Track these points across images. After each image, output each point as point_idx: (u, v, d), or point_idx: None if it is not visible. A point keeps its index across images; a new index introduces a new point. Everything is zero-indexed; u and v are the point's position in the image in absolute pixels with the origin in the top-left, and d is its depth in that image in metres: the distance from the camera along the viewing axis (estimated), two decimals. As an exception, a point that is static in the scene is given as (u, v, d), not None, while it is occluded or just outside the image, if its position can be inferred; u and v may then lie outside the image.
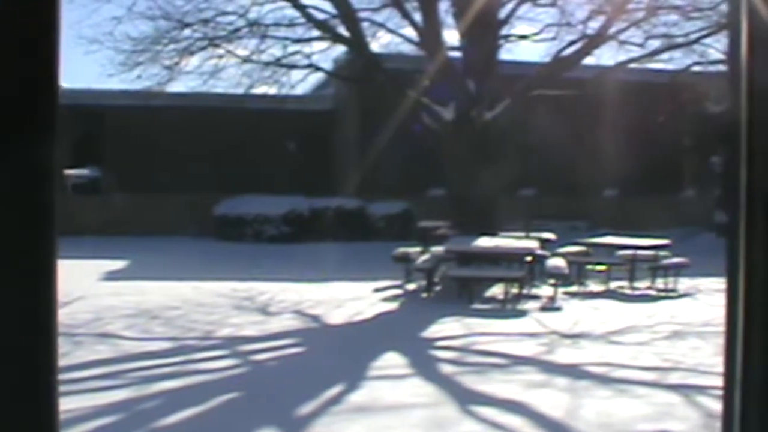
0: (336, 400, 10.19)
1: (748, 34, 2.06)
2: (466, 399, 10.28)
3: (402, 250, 21.07)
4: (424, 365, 12.39)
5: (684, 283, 20.94)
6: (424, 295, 19.45)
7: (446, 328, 15.45)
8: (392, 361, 12.58)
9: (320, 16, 22.70)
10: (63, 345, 13.11)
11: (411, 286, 20.21)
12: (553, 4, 22.23)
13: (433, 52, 21.69)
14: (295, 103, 30.88)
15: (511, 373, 11.97)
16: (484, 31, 21.36)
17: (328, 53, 26.82)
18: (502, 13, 22.36)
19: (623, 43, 23.14)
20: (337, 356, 13.04)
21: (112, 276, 21.86)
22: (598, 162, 33.17)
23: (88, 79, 56.05)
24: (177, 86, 25.47)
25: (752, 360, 2.12)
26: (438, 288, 19.80)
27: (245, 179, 32.71)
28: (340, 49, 26.70)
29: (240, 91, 25.29)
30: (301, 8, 22.14)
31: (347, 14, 21.80)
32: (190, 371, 11.69)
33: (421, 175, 32.73)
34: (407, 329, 15.39)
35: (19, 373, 1.76)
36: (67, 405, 9.41)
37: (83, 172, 34.79)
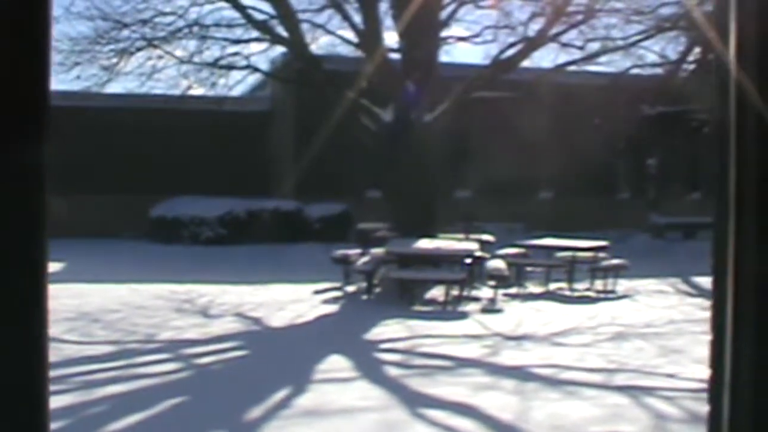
0: (284, 404, 10.12)
1: (737, 34, 2.04)
2: (415, 402, 10.25)
3: (341, 252, 21.00)
4: (370, 368, 12.35)
5: (622, 285, 21.04)
6: (365, 297, 19.42)
7: (389, 330, 15.43)
8: (337, 364, 12.53)
9: (259, 16, 22.59)
10: (2, 349, 12.92)
11: (351, 288, 20.17)
12: (494, 7, 22.20)
13: (373, 53, 21.66)
14: (231, 105, 30.71)
15: (458, 375, 11.96)
16: (424, 33, 21.34)
17: (267, 54, 26.70)
18: (443, 15, 22.29)
19: (565, 45, 23.22)
20: (282, 359, 12.99)
21: (51, 279, 21.55)
22: (534, 164, 33.35)
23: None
24: (114, 87, 25.29)
25: (742, 364, 2.08)
26: (378, 290, 19.74)
27: (182, 181, 32.43)
28: (277, 50, 26.59)
29: (178, 92, 25.13)
30: (241, 9, 22.01)
31: (286, 15, 21.68)
32: (134, 375, 11.57)
33: (358, 177, 32.69)
34: (350, 332, 15.35)
35: (11, 375, 1.72)
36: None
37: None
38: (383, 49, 21.82)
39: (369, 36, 21.72)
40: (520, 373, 11.94)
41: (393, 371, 12.18)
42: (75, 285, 20.06)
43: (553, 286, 21.01)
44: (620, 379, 11.57)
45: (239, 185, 31.93)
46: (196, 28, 22.95)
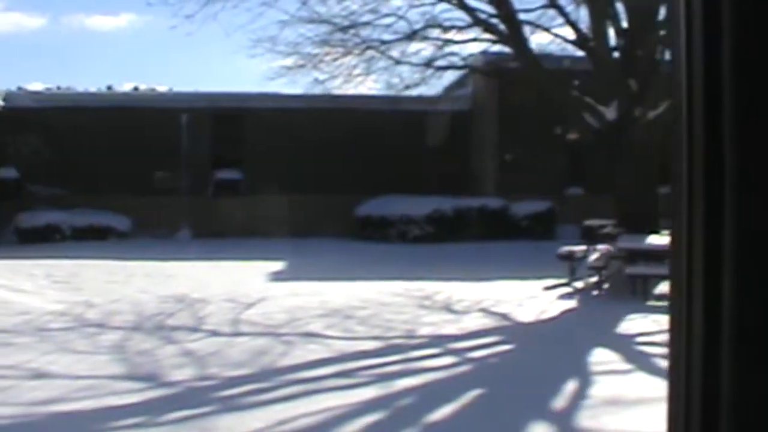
0: (581, 394, 10.42)
1: None
2: (705, 393, 10.40)
3: (567, 248, 21.16)
4: (640, 360, 12.58)
5: None
6: (595, 292, 19.58)
7: (637, 324, 15.57)
8: (607, 356, 12.78)
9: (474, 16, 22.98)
10: (275, 344, 13.55)
11: (579, 284, 20.30)
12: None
13: (598, 51, 21.87)
14: (434, 104, 31.21)
15: (730, 367, 12.05)
16: (645, 30, 21.39)
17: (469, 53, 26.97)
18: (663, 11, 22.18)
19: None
20: (550, 353, 13.27)
21: (277, 277, 22.22)
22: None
23: (252, 82, 57.59)
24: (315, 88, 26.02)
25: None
26: (606, 286, 19.86)
27: (384, 180, 32.96)
28: (478, 49, 26.84)
29: (392, 92, 25.68)
30: (468, 9, 22.35)
31: (507, 14, 21.93)
32: (418, 369, 11.93)
33: (559, 175, 32.89)
34: (600, 326, 15.59)
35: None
36: (321, 404, 9.75)
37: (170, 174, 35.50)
38: (607, 46, 21.93)
39: (595, 34, 21.86)
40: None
41: (664, 363, 12.32)
42: (307, 283, 20.66)
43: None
44: None
45: (442, 184, 32.32)
46: (427, 29, 23.37)
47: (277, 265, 24.18)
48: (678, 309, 1.94)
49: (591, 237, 22.34)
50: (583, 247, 21.40)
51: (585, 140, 26.02)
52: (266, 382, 10.97)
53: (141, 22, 66.90)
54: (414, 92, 26.28)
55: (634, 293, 18.66)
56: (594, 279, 19.97)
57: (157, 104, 36.29)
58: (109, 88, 43.31)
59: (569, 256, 20.81)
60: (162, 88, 42.79)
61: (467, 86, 35.10)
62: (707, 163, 1.85)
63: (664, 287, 19.34)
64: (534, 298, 18.60)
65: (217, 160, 35.44)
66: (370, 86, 25.51)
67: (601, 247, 20.78)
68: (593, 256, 20.11)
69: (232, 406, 9.94)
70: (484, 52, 27.54)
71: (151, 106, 35.79)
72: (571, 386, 10.82)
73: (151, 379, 11.42)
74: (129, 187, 33.89)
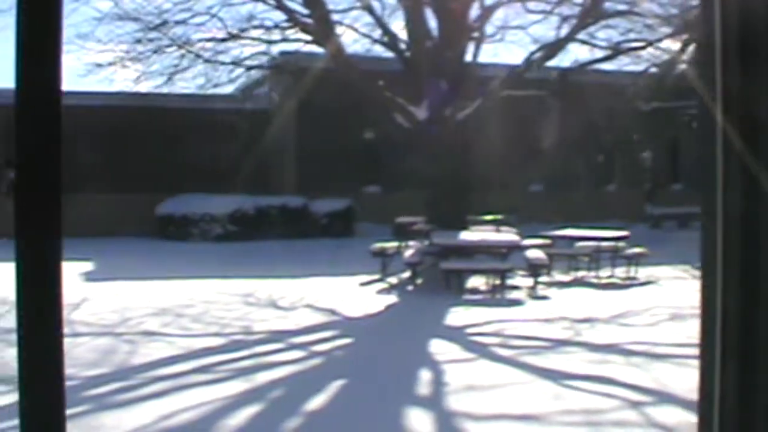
0: (437, 381, 10.99)
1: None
2: (550, 376, 11.12)
3: (379, 245, 21.80)
4: (478, 350, 13.23)
5: (640, 272, 21.89)
6: (410, 287, 20.21)
7: (461, 316, 16.30)
8: (445, 347, 13.34)
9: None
10: (119, 344, 13.69)
11: (393, 280, 20.90)
12: (550, 12, 22.91)
13: (410, 52, 22.52)
14: (233, 102, 31.42)
15: (563, 353, 12.82)
16: (456, 33, 22.14)
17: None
18: (473, 16, 22.96)
19: (593, 45, 24.13)
20: (390, 345, 13.83)
21: (91, 277, 21.93)
22: (527, 158, 34.32)
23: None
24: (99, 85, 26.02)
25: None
26: (419, 281, 20.49)
27: (185, 179, 32.89)
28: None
29: (201, 91, 25.81)
30: (287, 11, 22.63)
31: (321, 16, 22.29)
32: (272, 363, 12.24)
33: (356, 174, 33.57)
34: (428, 318, 16.24)
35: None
36: (195, 398, 10.02)
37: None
38: (419, 48, 22.54)
39: (409, 36, 22.52)
40: (618, 350, 12.85)
41: (502, 351, 13.06)
42: (122, 283, 20.55)
43: (577, 275, 21.90)
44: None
45: (244, 182, 32.40)
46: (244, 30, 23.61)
47: (86, 266, 23.85)
48: (711, 320, 2.09)
49: (403, 233, 23.04)
50: (395, 244, 22.08)
51: (383, 139, 26.60)
52: (130, 380, 11.10)
53: None
54: (222, 91, 26.49)
55: (449, 287, 19.38)
56: (407, 274, 20.62)
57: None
58: None
59: (382, 253, 21.44)
60: None
61: (265, 85, 35.33)
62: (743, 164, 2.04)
63: (475, 281, 20.19)
64: (353, 294, 19.08)
65: (10, 157, 34.68)
66: (183, 85, 25.28)
67: (412, 243, 21.49)
68: (408, 252, 20.77)
69: (108, 404, 10.01)
70: (286, 52, 27.80)
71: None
72: (426, 375, 11.37)
73: (6, 382, 11.33)
74: None
